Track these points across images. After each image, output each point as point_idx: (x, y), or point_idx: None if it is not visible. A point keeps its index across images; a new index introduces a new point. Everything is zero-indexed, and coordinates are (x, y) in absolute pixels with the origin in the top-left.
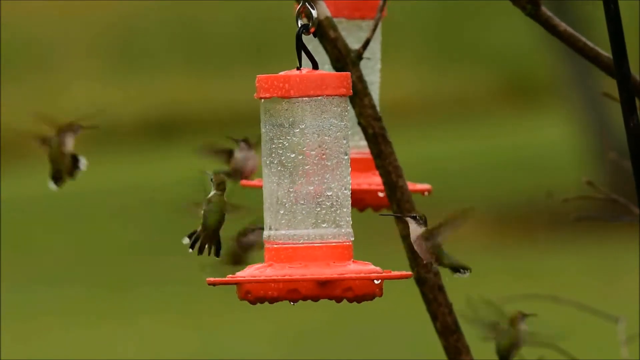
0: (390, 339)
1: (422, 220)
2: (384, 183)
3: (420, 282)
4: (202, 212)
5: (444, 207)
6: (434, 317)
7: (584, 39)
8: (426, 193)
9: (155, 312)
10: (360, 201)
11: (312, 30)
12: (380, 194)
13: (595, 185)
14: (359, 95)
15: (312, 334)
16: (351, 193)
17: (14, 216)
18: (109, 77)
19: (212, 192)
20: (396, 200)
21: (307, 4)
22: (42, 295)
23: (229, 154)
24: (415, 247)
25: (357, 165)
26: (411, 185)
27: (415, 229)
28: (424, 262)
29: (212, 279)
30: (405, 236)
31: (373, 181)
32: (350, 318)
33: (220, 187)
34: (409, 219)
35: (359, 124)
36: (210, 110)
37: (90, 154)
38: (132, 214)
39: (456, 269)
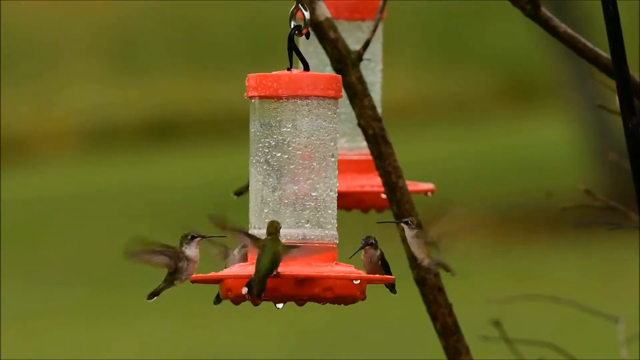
0: (390, 339)
1: (414, 225)
2: (384, 184)
3: (420, 283)
4: (257, 257)
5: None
6: (434, 318)
7: (584, 40)
8: (429, 193)
9: (155, 313)
10: (362, 202)
11: (305, 31)
12: (383, 196)
13: (593, 193)
14: (358, 96)
15: (313, 334)
16: (353, 194)
17: (14, 216)
18: (109, 78)
19: (267, 237)
20: (396, 201)
21: (300, 5)
22: (42, 295)
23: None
24: (411, 248)
25: (359, 166)
26: (414, 185)
27: (409, 232)
28: (418, 261)
29: (194, 275)
30: (405, 238)
31: (375, 182)
32: (351, 319)
33: (272, 231)
34: (403, 225)
35: (359, 125)
36: (209, 112)
37: (90, 155)
38: (132, 214)
39: (445, 267)
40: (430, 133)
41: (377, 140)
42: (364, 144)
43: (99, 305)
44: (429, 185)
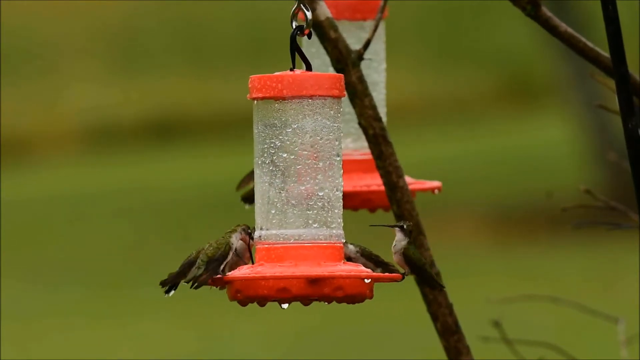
0: (390, 339)
1: (408, 232)
2: (385, 183)
3: (421, 282)
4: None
5: (445, 207)
6: (435, 318)
7: (584, 39)
8: (436, 191)
9: (154, 314)
10: (369, 202)
11: (307, 31)
12: None
13: (593, 193)
14: (359, 96)
15: (311, 334)
16: (360, 194)
17: (15, 216)
18: (109, 78)
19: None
20: (396, 201)
21: (302, 5)
22: (41, 296)
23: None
24: (394, 257)
25: (364, 165)
26: (421, 184)
27: (399, 239)
28: (403, 272)
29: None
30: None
31: (381, 182)
32: (350, 318)
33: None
34: (396, 229)
35: (360, 124)
36: (210, 112)
37: (90, 155)
38: (131, 214)
39: (432, 285)
40: (430, 133)
41: (377, 140)
42: None
43: (98, 306)
44: (436, 183)
